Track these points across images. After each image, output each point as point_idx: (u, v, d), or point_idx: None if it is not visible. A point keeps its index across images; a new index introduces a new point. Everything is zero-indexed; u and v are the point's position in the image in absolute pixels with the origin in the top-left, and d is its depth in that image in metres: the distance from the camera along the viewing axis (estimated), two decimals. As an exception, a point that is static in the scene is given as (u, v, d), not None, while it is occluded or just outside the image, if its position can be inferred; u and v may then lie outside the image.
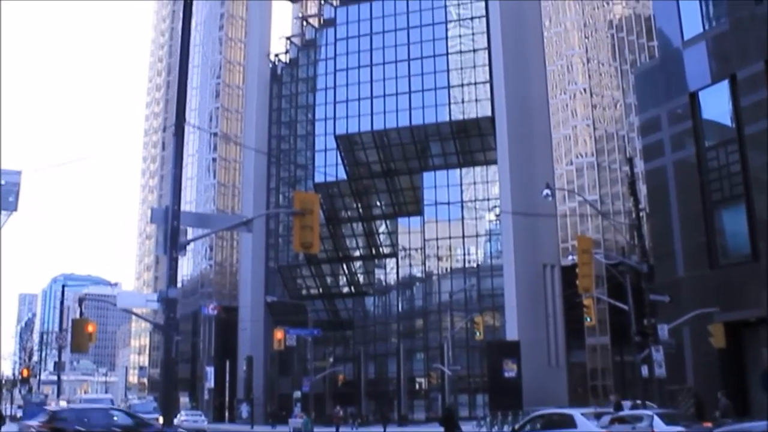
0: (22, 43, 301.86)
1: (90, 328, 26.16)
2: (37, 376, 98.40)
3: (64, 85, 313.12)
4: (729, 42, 31.00)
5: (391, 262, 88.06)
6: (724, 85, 30.99)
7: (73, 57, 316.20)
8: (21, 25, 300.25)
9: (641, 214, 32.55)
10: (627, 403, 33.71)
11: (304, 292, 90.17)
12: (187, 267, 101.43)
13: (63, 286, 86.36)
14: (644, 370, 28.84)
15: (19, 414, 65.00)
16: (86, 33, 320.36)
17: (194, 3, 19.63)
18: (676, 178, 34.14)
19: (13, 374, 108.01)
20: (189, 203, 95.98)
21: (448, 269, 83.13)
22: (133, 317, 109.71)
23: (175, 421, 24.15)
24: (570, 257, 67.31)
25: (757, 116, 28.82)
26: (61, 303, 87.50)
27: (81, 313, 47.05)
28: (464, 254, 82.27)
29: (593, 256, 28.60)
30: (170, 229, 16.20)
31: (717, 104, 31.51)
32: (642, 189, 40.70)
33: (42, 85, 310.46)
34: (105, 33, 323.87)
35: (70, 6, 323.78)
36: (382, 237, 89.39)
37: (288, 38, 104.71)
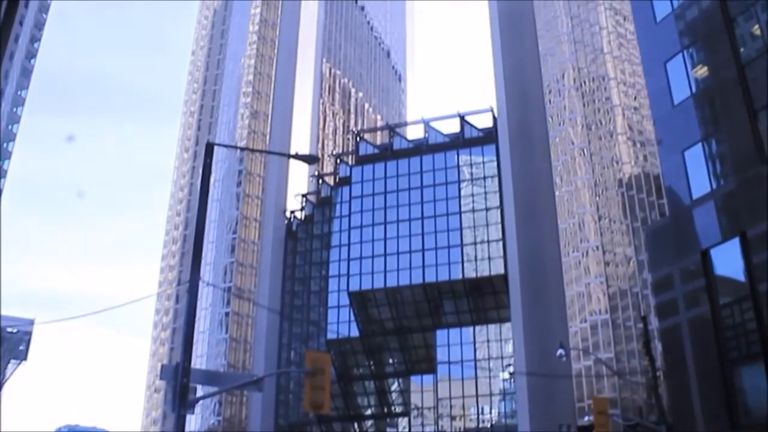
0: (36, 188, 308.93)
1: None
2: None
3: (84, 234, 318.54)
4: (737, 200, 31.35)
5: (403, 421, 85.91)
6: (735, 243, 31.06)
7: (91, 207, 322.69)
8: (42, 167, 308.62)
9: (657, 372, 31.96)
10: None
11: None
12: (194, 422, 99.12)
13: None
14: None
15: None
16: (105, 184, 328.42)
17: (214, 161, 20.26)
18: (691, 336, 33.61)
19: None
20: (200, 357, 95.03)
21: (462, 429, 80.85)
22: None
23: None
24: (586, 417, 65.30)
25: (769, 274, 28.72)
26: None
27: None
28: (478, 414, 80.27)
29: (610, 417, 27.85)
30: (179, 387, 16.06)
31: (729, 261, 31.46)
32: (657, 347, 40.15)
33: (55, 234, 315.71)
34: (125, 184, 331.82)
35: (97, 157, 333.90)
36: (394, 395, 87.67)
37: (304, 196, 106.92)
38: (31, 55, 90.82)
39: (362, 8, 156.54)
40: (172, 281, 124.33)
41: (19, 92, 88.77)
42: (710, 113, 32.66)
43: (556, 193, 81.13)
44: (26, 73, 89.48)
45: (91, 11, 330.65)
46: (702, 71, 33.20)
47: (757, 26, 29.60)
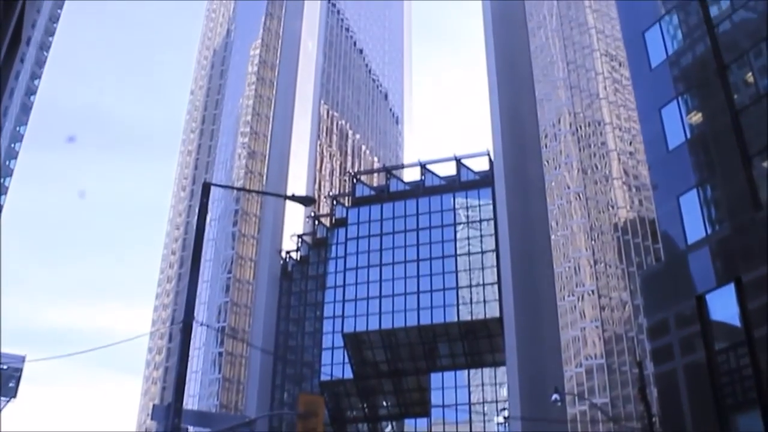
0: (31, 223, 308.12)
1: None
2: None
3: (77, 271, 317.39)
4: (732, 246, 31.42)
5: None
6: (731, 288, 31.04)
7: (85, 243, 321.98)
8: (36, 209, 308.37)
9: (653, 418, 31.71)
10: None
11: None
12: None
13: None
14: None
15: None
16: (101, 221, 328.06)
17: (210, 200, 20.29)
18: (687, 382, 33.43)
19: None
20: (192, 397, 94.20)
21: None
22: None
23: None
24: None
25: (764, 319, 28.67)
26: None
27: None
28: (472, 459, 79.47)
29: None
30: (171, 427, 15.94)
31: (725, 306, 31.41)
32: (653, 392, 39.89)
33: (48, 270, 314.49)
34: (121, 221, 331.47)
35: (96, 192, 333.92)
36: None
37: (300, 236, 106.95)
38: (30, 91, 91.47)
39: (361, 51, 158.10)
40: (166, 320, 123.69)
41: (17, 128, 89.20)
42: (705, 159, 32.90)
43: (552, 236, 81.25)
44: (26, 109, 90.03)
45: (92, 48, 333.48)
46: (696, 117, 33.49)
47: (750, 74, 29.94)
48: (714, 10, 32.20)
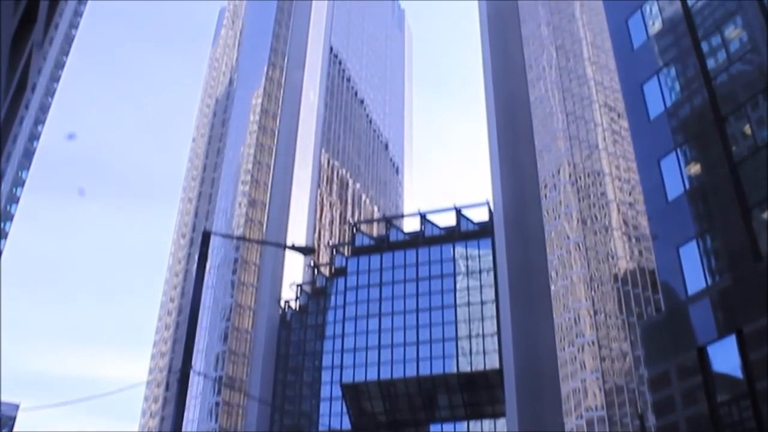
0: (30, 268, 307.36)
1: None
2: None
3: (75, 317, 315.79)
4: (733, 297, 31.31)
5: None
6: (732, 340, 30.86)
7: (84, 290, 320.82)
8: (30, 260, 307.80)
9: (655, 471, 31.34)
10: None
11: None
12: None
13: None
14: None
15: None
16: (99, 266, 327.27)
17: (210, 247, 20.33)
18: (689, 435, 33.07)
19: None
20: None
21: None
22: None
23: None
24: None
25: (766, 371, 28.46)
26: None
27: None
28: None
29: None
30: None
31: (727, 358, 31.19)
32: (655, 445, 39.39)
33: (45, 315, 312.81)
34: (119, 267, 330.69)
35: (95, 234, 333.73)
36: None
37: (299, 285, 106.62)
38: (34, 137, 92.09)
39: (362, 101, 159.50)
40: (163, 368, 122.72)
41: (20, 173, 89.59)
42: (704, 210, 32.95)
43: (552, 287, 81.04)
44: (28, 154, 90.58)
45: (96, 94, 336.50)
46: (695, 168, 33.65)
47: (747, 125, 30.17)
48: (711, 62, 32.58)
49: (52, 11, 24.17)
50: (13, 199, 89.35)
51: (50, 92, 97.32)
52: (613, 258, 79.74)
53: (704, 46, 33.10)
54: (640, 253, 79.09)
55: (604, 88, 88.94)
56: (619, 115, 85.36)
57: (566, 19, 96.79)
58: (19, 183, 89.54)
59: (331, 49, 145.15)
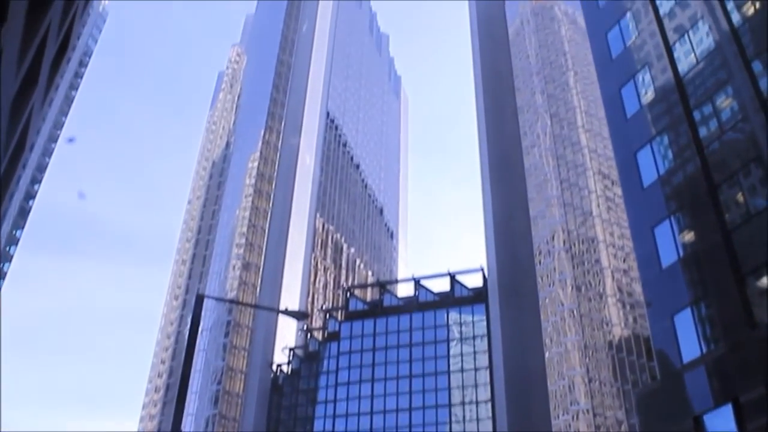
0: (19, 328, 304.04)
1: None
2: None
3: (63, 379, 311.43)
4: (729, 365, 31.11)
5: None
6: (728, 409, 30.57)
7: (73, 350, 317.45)
8: (24, 312, 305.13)
9: None
10: None
11: None
12: None
13: None
14: None
15: None
16: (90, 327, 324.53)
17: (203, 310, 20.22)
18: (686, 506, 32.48)
19: None
20: None
21: None
22: None
23: None
24: None
25: (764, 440, 28.14)
26: None
27: None
28: None
29: None
30: None
31: (723, 427, 30.79)
32: None
33: (34, 378, 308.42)
34: (110, 327, 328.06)
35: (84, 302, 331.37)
36: None
37: (291, 349, 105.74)
38: (30, 196, 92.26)
39: (357, 166, 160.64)
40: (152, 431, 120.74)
41: (14, 231, 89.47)
42: (698, 277, 32.96)
43: (546, 354, 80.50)
44: (23, 213, 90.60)
45: (93, 154, 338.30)
46: (689, 236, 33.77)
47: (740, 193, 30.38)
48: (703, 131, 32.99)
49: (53, 73, 24.51)
50: (7, 258, 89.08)
51: (48, 152, 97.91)
52: (607, 325, 79.44)
53: (696, 115, 33.56)
54: (635, 320, 78.84)
55: (598, 155, 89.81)
56: (613, 183, 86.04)
57: (560, 87, 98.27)
58: (13, 242, 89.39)
59: (328, 113, 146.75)
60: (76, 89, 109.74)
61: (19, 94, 19.12)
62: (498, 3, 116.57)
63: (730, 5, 33.22)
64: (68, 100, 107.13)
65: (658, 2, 38.47)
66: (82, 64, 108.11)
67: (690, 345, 33.14)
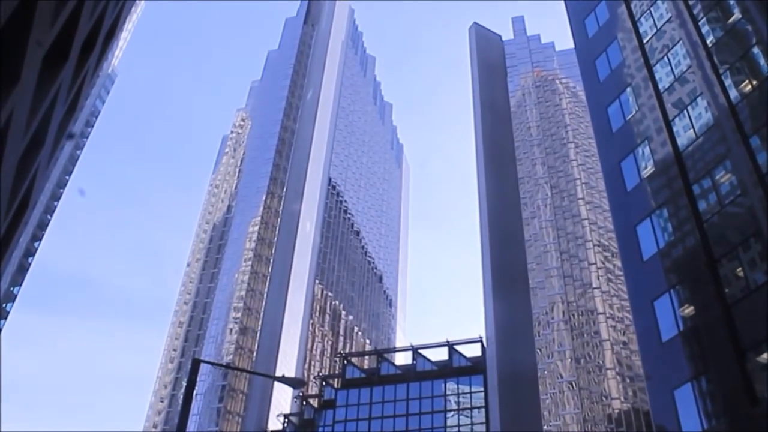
0: (15, 385, 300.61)
1: None
2: None
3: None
4: (729, 443, 30.71)
5: None
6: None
7: (65, 413, 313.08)
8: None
9: None
10: None
11: None
12: None
13: None
14: None
15: None
16: (82, 386, 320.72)
17: (198, 374, 20.06)
18: None
19: None
20: None
21: None
22: None
23: None
24: None
25: None
26: None
27: None
28: None
29: None
30: None
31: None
32: None
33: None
34: (106, 391, 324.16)
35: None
36: None
37: (286, 416, 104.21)
38: (29, 253, 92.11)
39: (358, 233, 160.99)
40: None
41: (11, 288, 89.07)
42: (698, 351, 32.70)
43: (545, 427, 79.41)
44: (22, 270, 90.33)
45: (92, 214, 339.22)
46: (689, 310, 33.63)
47: (740, 267, 30.37)
48: (702, 204, 33.15)
49: (60, 134, 24.76)
50: (2, 315, 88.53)
51: (50, 210, 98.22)
52: (606, 398, 78.59)
53: (696, 189, 33.78)
54: (635, 393, 77.92)
55: (598, 227, 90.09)
56: (613, 255, 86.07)
57: (561, 159, 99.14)
58: (11, 299, 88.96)
59: (330, 180, 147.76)
60: (81, 149, 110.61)
61: (26, 154, 19.27)
62: (500, 74, 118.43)
63: (727, 82, 33.78)
64: (72, 160, 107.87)
65: (657, 78, 39.13)
66: (89, 124, 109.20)
67: (691, 420, 32.73)
